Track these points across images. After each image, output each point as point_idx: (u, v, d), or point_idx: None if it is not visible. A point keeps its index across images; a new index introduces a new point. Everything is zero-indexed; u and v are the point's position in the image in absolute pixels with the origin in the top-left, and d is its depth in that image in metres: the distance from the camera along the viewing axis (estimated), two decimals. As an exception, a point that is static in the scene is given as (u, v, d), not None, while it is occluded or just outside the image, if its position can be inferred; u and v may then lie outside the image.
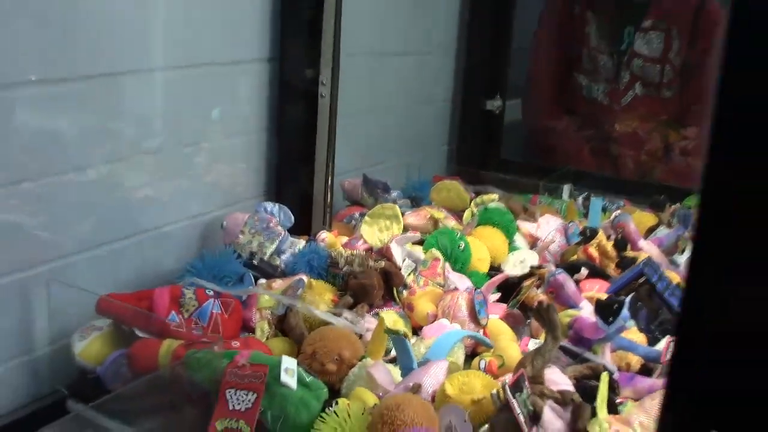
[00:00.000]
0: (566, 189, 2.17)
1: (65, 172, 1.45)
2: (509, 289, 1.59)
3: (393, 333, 1.24)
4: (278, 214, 1.70)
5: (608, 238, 1.75)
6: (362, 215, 1.81)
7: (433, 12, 2.46)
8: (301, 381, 1.19)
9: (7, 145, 1.33)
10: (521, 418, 1.06)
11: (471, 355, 1.37)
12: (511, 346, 1.35)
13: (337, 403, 1.17)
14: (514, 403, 1.07)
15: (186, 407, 1.25)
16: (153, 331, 1.38)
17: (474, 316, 1.42)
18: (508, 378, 1.15)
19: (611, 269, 1.67)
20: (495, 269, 1.69)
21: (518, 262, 1.67)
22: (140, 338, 1.39)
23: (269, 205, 1.73)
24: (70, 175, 1.47)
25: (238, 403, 1.18)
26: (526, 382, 1.13)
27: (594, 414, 1.11)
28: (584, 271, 1.59)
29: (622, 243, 1.72)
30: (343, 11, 1.82)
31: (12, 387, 1.42)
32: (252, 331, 1.43)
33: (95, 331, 1.44)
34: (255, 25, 1.80)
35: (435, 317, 1.44)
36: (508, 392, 1.08)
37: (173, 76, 1.64)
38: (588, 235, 1.72)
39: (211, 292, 1.41)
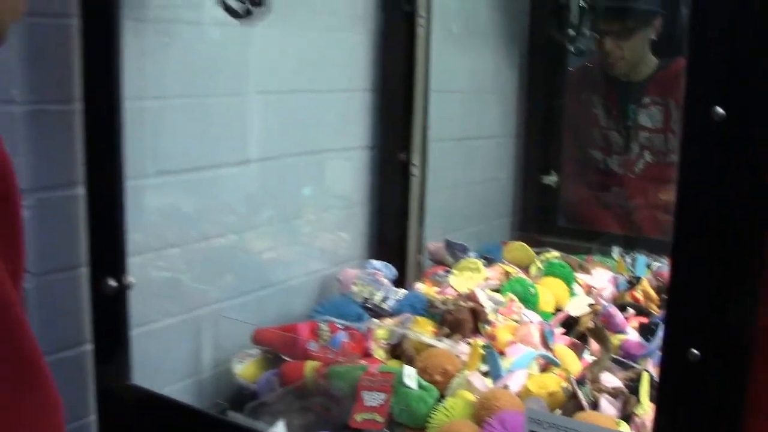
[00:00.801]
0: (616, 249, 2.57)
1: (204, 239, 1.86)
2: (570, 325, 1.99)
3: (486, 347, 1.66)
4: (383, 269, 2.14)
5: (651, 285, 2.15)
6: (447, 272, 2.25)
7: (502, 102, 2.92)
8: (418, 384, 1.61)
9: (155, 220, 1.73)
10: (584, 403, 1.47)
11: (544, 372, 1.77)
12: (574, 363, 1.75)
13: (445, 400, 1.59)
14: (579, 392, 1.48)
15: (329, 407, 1.67)
16: (297, 356, 1.81)
17: (545, 342, 1.83)
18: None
19: (654, 309, 2.07)
20: (559, 311, 2.10)
21: (577, 305, 2.08)
22: (286, 361, 1.82)
23: (376, 263, 2.17)
24: (209, 242, 1.89)
25: (373, 401, 1.60)
26: (588, 380, 1.54)
27: (638, 402, 1.51)
28: (631, 311, 2.00)
29: (663, 288, 2.12)
30: (430, 106, 2.28)
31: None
32: (372, 356, 1.85)
33: (249, 357, 1.87)
34: (356, 119, 2.27)
35: (513, 344, 1.85)
36: (575, 384, 1.49)
37: (291, 161, 2.09)
38: (634, 283, 2.13)
39: (341, 326, 1.84)
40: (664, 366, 0.99)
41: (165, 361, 1.78)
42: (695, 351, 0.95)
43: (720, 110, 0.90)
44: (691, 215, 0.95)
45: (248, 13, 1.39)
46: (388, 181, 2.33)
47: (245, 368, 1.84)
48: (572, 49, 2.73)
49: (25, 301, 0.77)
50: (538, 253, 2.42)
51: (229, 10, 1.39)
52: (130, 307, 1.58)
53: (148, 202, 1.71)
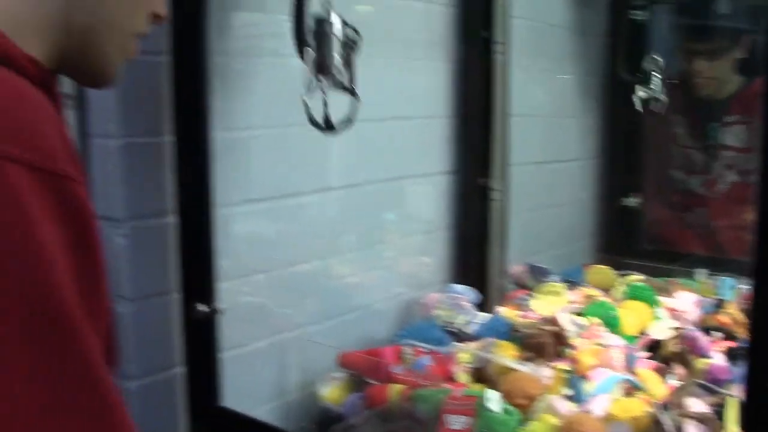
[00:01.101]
0: (701, 271, 2.53)
1: (289, 265, 1.91)
2: (654, 349, 1.98)
3: (567, 371, 1.66)
4: (466, 293, 2.16)
5: (738, 308, 2.12)
6: (529, 296, 2.25)
7: (583, 125, 2.92)
8: (502, 408, 1.62)
9: (243, 247, 1.78)
10: (668, 428, 1.46)
11: (628, 396, 1.77)
12: (659, 388, 1.74)
13: (528, 423, 1.60)
14: (663, 417, 1.48)
15: (414, 430, 1.70)
16: (381, 378, 1.84)
17: (628, 366, 1.82)
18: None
19: (741, 332, 2.04)
20: (642, 334, 2.08)
21: (661, 328, 2.06)
22: (371, 384, 1.85)
23: (458, 287, 2.19)
24: (294, 268, 1.94)
25: (456, 424, 1.61)
26: (672, 405, 1.53)
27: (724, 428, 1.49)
28: (717, 334, 1.98)
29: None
30: (509, 131, 2.30)
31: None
32: (453, 380, 1.87)
33: (335, 380, 1.91)
34: (436, 146, 2.30)
35: (596, 368, 1.84)
36: (659, 409, 1.48)
37: (373, 188, 2.13)
38: (719, 305, 2.10)
39: (425, 350, 1.87)
40: (748, 393, 0.98)
41: (253, 384, 1.83)
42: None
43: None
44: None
45: (331, 128, 1.46)
46: (469, 205, 2.35)
47: (331, 391, 1.88)
48: (642, 94, 2.68)
49: (116, 327, 0.81)
50: (621, 276, 2.40)
51: (314, 123, 1.46)
52: (220, 332, 1.64)
53: (237, 229, 1.77)
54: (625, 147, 2.98)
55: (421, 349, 1.86)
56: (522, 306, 2.23)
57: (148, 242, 1.60)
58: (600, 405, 1.61)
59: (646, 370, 1.84)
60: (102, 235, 0.73)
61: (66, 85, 1.56)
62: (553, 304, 2.12)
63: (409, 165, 2.22)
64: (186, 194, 1.58)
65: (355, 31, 1.47)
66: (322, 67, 1.43)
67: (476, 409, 1.61)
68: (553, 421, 1.59)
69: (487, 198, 2.32)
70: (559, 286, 2.17)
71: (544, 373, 1.78)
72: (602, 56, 2.95)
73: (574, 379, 1.68)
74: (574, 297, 2.21)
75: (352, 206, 2.07)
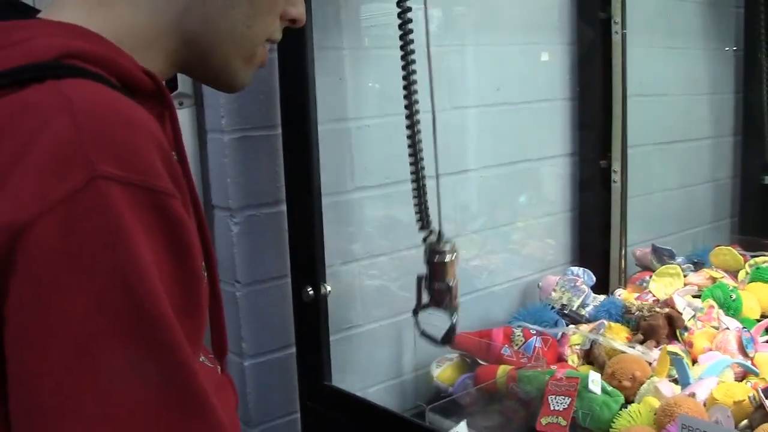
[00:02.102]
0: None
1: (410, 248, 1.98)
2: (778, 332, 1.92)
3: (673, 354, 1.65)
4: (583, 276, 2.17)
5: None
6: (651, 278, 2.23)
7: (717, 101, 2.84)
8: (604, 390, 1.63)
9: (369, 230, 1.88)
10: (771, 413, 1.44)
11: (741, 380, 1.73)
12: (774, 372, 1.70)
13: (630, 405, 1.60)
14: (766, 402, 1.45)
15: (518, 410, 1.73)
16: (491, 360, 1.88)
17: (743, 350, 1.78)
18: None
19: None
20: (766, 317, 2.03)
21: (786, 311, 2.00)
22: (481, 365, 1.90)
23: (575, 269, 2.20)
24: (418, 250, 2.00)
25: (558, 405, 1.64)
26: (778, 390, 1.49)
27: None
28: None
29: None
30: (628, 113, 2.27)
31: (383, 403, 1.97)
32: (565, 362, 1.88)
33: (447, 361, 1.96)
34: (557, 128, 2.30)
35: (708, 351, 1.82)
36: (761, 394, 1.46)
37: (494, 172, 2.16)
38: None
39: (534, 332, 1.89)
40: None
41: (368, 363, 1.91)
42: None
43: None
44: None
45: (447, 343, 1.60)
46: (590, 188, 2.34)
47: (443, 371, 1.94)
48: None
49: (223, 319, 0.89)
50: (752, 257, 2.34)
51: (425, 336, 1.60)
52: (338, 313, 1.72)
53: (369, 211, 1.85)
54: (765, 124, 2.87)
55: (530, 331, 1.89)
56: (643, 288, 2.21)
57: (261, 230, 1.71)
58: (705, 389, 1.59)
59: (764, 354, 1.80)
60: (208, 234, 0.81)
61: (184, 84, 1.69)
62: (669, 286, 2.09)
63: (531, 148, 2.24)
64: (294, 183, 1.67)
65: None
66: (437, 299, 1.56)
67: (578, 390, 1.63)
68: (656, 403, 1.59)
69: (608, 181, 2.31)
70: (677, 268, 2.14)
71: (654, 355, 1.77)
72: (737, 29, 2.85)
73: (678, 362, 1.66)
74: (698, 279, 2.17)
75: (472, 189, 2.11)
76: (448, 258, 1.54)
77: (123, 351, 0.62)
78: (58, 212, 0.61)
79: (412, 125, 1.53)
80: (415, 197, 1.60)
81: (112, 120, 0.66)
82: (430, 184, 1.61)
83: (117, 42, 0.77)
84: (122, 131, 0.66)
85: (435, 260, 1.55)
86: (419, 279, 1.58)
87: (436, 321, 1.61)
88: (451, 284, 1.55)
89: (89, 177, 0.62)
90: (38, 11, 0.84)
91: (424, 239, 1.58)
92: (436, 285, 1.55)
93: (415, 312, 1.60)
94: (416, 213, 1.59)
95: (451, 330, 1.57)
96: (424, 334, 1.60)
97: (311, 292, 1.64)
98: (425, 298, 1.58)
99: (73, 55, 0.71)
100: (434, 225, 1.58)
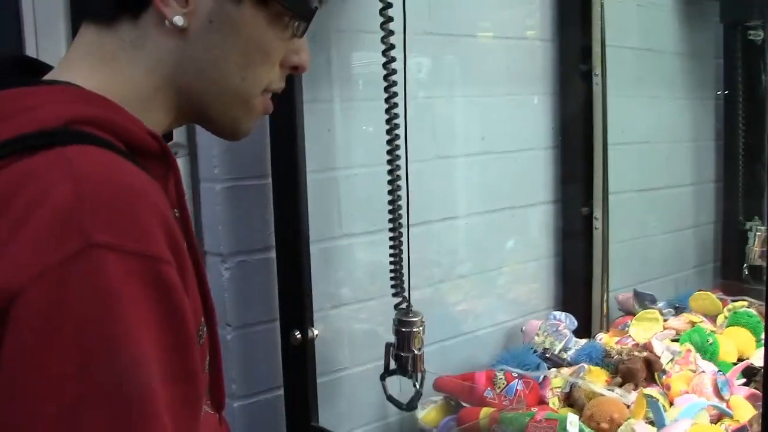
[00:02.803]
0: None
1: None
2: (753, 376, 1.98)
3: (649, 397, 1.71)
4: (565, 320, 2.23)
5: None
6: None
7: (699, 148, 2.92)
8: (580, 430, 1.69)
9: (358, 275, 1.94)
10: (741, 454, 1.49)
11: (716, 423, 1.78)
12: (748, 415, 1.75)
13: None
14: (736, 443, 1.50)
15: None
16: (474, 402, 1.93)
17: (718, 393, 1.84)
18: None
19: None
20: (743, 361, 2.08)
21: (762, 355, 2.05)
22: (464, 407, 1.95)
23: (558, 314, 2.26)
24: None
25: (538, 446, 1.69)
26: (749, 431, 1.55)
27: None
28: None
29: None
30: (609, 161, 2.35)
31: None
32: (547, 404, 1.93)
33: (432, 403, 2.01)
34: (541, 176, 2.37)
35: (685, 394, 1.87)
36: (732, 435, 1.51)
37: (479, 219, 2.23)
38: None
39: (516, 375, 1.95)
40: (765, 415, 1.03)
41: (355, 405, 1.96)
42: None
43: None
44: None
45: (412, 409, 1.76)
46: (572, 234, 2.41)
47: (427, 413, 1.99)
48: None
49: (221, 372, 0.90)
50: (732, 302, 2.39)
51: (392, 401, 1.73)
52: (326, 355, 1.78)
53: (358, 257, 1.92)
54: (744, 170, 2.95)
55: (512, 374, 1.94)
56: (625, 332, 2.27)
57: (251, 275, 1.76)
58: (680, 430, 1.65)
59: (738, 397, 1.85)
60: (205, 276, 0.82)
61: (178, 134, 1.76)
62: (649, 330, 2.15)
63: (516, 195, 2.31)
64: (283, 230, 1.73)
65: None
66: (403, 366, 1.70)
67: (557, 431, 1.68)
68: (632, 445, 1.64)
69: (590, 226, 2.38)
70: (656, 312, 2.20)
71: (631, 398, 1.83)
72: (716, 78, 2.94)
73: (653, 404, 1.71)
74: (677, 323, 2.23)
75: (458, 235, 2.18)
76: (416, 329, 1.68)
77: (103, 419, 0.63)
78: (49, 278, 0.63)
79: (393, 180, 1.61)
80: (391, 264, 1.71)
81: (112, 188, 0.68)
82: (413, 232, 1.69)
83: (120, 99, 0.80)
84: (121, 199, 0.68)
85: (403, 330, 1.68)
86: (387, 346, 1.70)
87: (403, 387, 1.74)
88: (417, 353, 1.68)
89: (84, 245, 0.64)
90: (51, 67, 0.87)
91: (396, 306, 1.70)
92: (403, 353, 1.68)
93: (383, 377, 1.71)
94: (391, 279, 1.72)
95: (416, 396, 1.69)
96: (390, 399, 1.72)
97: (299, 336, 1.70)
98: (392, 365, 1.70)
99: (81, 120, 0.73)
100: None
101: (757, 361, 2.03)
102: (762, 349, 2.11)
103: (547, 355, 2.11)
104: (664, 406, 1.76)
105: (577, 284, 2.41)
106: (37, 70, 0.87)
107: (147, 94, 0.85)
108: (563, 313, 2.27)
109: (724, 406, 1.80)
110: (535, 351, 2.13)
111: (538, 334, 2.19)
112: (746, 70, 2.86)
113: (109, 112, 0.77)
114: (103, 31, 0.84)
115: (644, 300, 2.41)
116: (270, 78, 0.91)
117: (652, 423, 1.74)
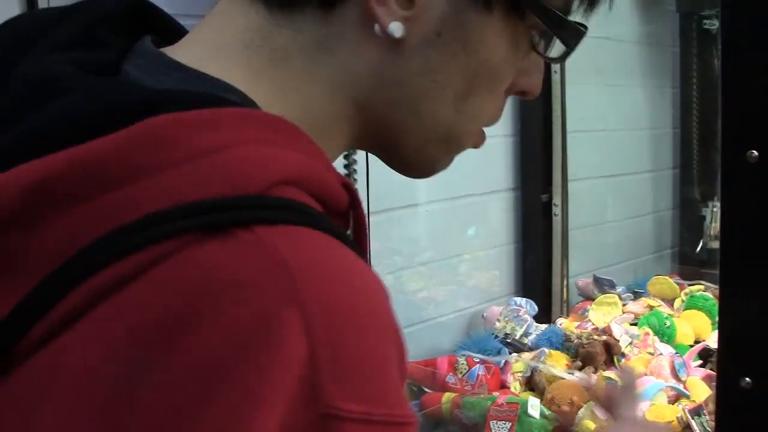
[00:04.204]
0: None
1: None
2: (708, 357, 2.01)
3: (608, 379, 1.73)
4: (526, 306, 2.25)
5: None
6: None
7: (657, 136, 2.96)
8: (542, 414, 1.71)
9: None
10: (697, 432, 1.52)
11: (673, 403, 1.82)
12: (705, 395, 1.78)
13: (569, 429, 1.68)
14: (693, 422, 1.53)
15: (463, 436, 1.80)
16: (436, 387, 1.95)
17: (675, 374, 1.87)
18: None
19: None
20: (699, 343, 2.12)
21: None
22: (427, 392, 1.96)
23: (519, 300, 2.28)
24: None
25: (499, 429, 1.70)
26: (705, 410, 1.58)
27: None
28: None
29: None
30: (569, 146, 2.37)
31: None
32: (508, 388, 1.95)
33: (395, 390, 2.02)
34: (501, 164, 2.39)
35: (645, 375, 1.90)
36: (688, 414, 1.54)
37: (440, 206, 2.24)
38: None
39: (478, 360, 1.96)
40: (719, 394, 1.05)
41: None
42: (747, 379, 1.02)
43: None
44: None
45: None
46: (532, 221, 2.43)
47: (390, 400, 1.99)
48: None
49: None
50: (689, 285, 2.43)
51: None
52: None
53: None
54: (700, 156, 2.99)
55: (474, 360, 1.96)
56: (584, 317, 2.29)
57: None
58: (638, 413, 1.67)
59: (694, 378, 1.88)
60: None
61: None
62: (608, 314, 2.18)
63: (476, 183, 2.32)
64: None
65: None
66: None
67: (518, 415, 1.70)
68: (592, 426, 1.66)
69: (550, 213, 2.40)
70: (615, 297, 2.23)
71: (592, 381, 1.85)
72: (673, 66, 2.98)
73: (615, 385, 1.74)
74: (636, 307, 2.26)
75: (419, 223, 2.19)
76: None
77: None
78: None
79: (349, 164, 1.61)
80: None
81: (352, 321, 0.47)
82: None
83: (297, 122, 0.55)
84: (365, 339, 0.47)
85: None
86: None
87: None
88: None
89: (320, 415, 0.45)
90: (174, 28, 0.64)
91: None
92: None
93: None
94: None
95: None
96: None
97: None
98: None
99: (285, 180, 0.50)
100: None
101: (713, 343, 2.06)
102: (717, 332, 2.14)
103: (508, 341, 2.13)
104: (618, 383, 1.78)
105: (537, 270, 2.43)
106: (150, 27, 0.63)
107: (324, 122, 0.60)
108: (524, 298, 2.29)
109: (681, 387, 1.83)
110: (497, 336, 2.14)
111: (499, 320, 2.20)
112: (701, 58, 2.90)
113: (311, 157, 0.53)
114: (275, 14, 0.57)
115: (603, 285, 2.44)
116: (493, 109, 0.67)
117: (611, 405, 1.76)
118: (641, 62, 2.89)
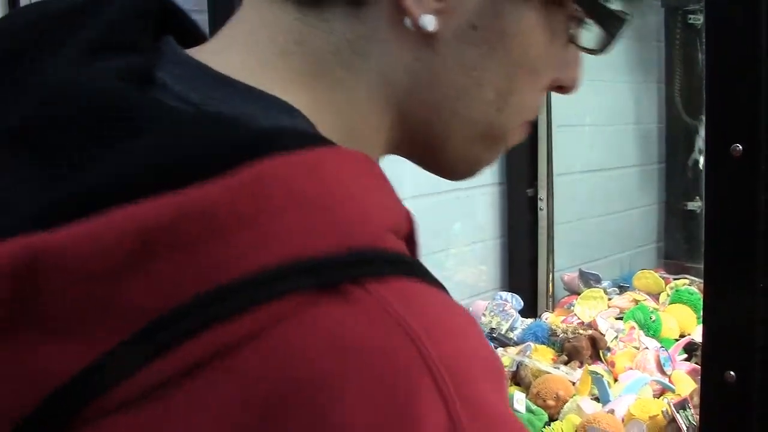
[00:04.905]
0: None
1: None
2: (694, 351, 2.02)
3: (594, 373, 1.73)
4: (511, 300, 2.25)
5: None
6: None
7: (643, 131, 2.96)
8: (528, 408, 1.71)
9: None
10: (683, 426, 1.52)
11: (659, 397, 1.82)
12: (689, 389, 1.79)
13: (553, 423, 1.68)
14: (678, 416, 1.53)
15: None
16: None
17: (661, 368, 1.87)
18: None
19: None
20: (684, 337, 2.12)
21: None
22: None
23: (504, 294, 2.28)
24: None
25: (485, 425, 1.70)
26: (690, 404, 1.58)
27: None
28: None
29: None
30: (554, 141, 2.37)
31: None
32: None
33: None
34: (487, 158, 2.39)
35: (629, 370, 1.90)
36: (673, 408, 1.54)
37: (425, 201, 2.24)
38: None
39: (463, 354, 1.96)
40: (703, 388, 1.05)
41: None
42: (732, 373, 1.02)
43: None
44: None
45: None
46: (518, 215, 2.43)
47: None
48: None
49: None
50: (674, 280, 2.44)
51: None
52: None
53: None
54: (685, 151, 3.00)
55: (459, 354, 1.96)
56: (570, 311, 2.30)
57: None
58: (624, 405, 1.67)
59: (679, 371, 1.89)
60: None
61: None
62: (594, 309, 2.18)
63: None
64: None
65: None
66: None
67: (504, 410, 1.70)
68: (578, 421, 1.66)
69: (535, 208, 2.40)
70: (601, 292, 2.24)
71: (577, 375, 1.85)
72: (659, 62, 2.98)
73: (599, 381, 1.74)
74: (622, 302, 2.27)
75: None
76: None
77: None
78: None
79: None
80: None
81: (471, 370, 0.44)
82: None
83: (340, 139, 0.50)
84: (487, 387, 0.44)
85: None
86: None
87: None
88: None
89: None
90: (194, 30, 0.60)
91: None
92: None
93: None
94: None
95: None
96: None
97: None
98: None
99: (389, 228, 0.47)
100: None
101: (698, 336, 2.07)
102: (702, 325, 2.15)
103: (493, 335, 2.13)
104: (608, 382, 1.79)
105: (522, 265, 2.43)
106: (165, 24, 0.58)
107: (366, 134, 0.56)
108: (509, 293, 2.30)
109: (666, 380, 1.83)
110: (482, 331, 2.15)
111: (484, 315, 2.20)
112: (686, 53, 2.91)
113: (391, 195, 0.50)
114: (305, 12, 0.53)
115: (589, 279, 2.44)
116: (533, 105, 0.62)
117: (597, 399, 1.76)
118: (627, 57, 2.89)
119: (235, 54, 0.53)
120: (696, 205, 2.98)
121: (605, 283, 2.45)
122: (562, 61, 0.61)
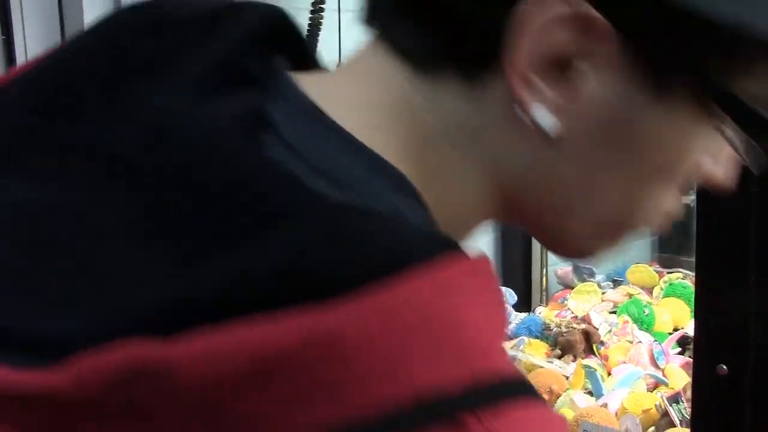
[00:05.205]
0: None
1: None
2: (687, 345, 2.02)
3: (587, 367, 1.73)
4: (505, 294, 2.25)
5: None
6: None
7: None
8: (521, 403, 1.71)
9: None
10: (676, 419, 1.52)
11: (652, 391, 1.82)
12: (683, 382, 1.79)
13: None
14: (671, 409, 1.54)
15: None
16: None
17: (654, 362, 1.87)
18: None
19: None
20: (678, 331, 2.13)
21: (697, 324, 2.10)
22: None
23: (497, 288, 2.28)
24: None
25: (479, 419, 1.71)
26: (683, 397, 1.58)
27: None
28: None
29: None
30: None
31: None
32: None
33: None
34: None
35: (622, 364, 1.90)
36: (666, 402, 1.54)
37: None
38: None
39: (457, 349, 1.96)
40: (695, 381, 1.05)
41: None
42: (724, 366, 1.02)
43: None
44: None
45: None
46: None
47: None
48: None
49: None
50: (668, 274, 2.44)
51: None
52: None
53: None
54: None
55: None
56: (564, 305, 2.30)
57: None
58: (617, 399, 1.68)
59: (673, 365, 1.89)
60: None
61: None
62: (587, 303, 2.19)
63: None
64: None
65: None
66: None
67: (497, 404, 1.70)
68: (571, 415, 1.66)
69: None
70: (594, 286, 2.24)
71: (571, 369, 1.85)
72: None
73: (592, 375, 1.74)
74: (616, 296, 2.27)
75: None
76: None
77: None
78: None
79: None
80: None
81: None
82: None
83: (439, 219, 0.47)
84: None
85: None
86: None
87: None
88: None
89: None
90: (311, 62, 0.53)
91: None
92: None
93: None
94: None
95: None
96: None
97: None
98: None
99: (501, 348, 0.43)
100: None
101: (692, 330, 2.06)
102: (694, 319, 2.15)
103: (487, 330, 2.13)
104: (602, 376, 1.79)
105: (516, 259, 2.43)
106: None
107: (463, 219, 0.51)
108: (503, 287, 2.29)
109: (659, 374, 1.83)
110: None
111: (478, 309, 2.21)
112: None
113: (503, 301, 0.46)
114: (418, 80, 0.46)
115: (583, 273, 2.44)
116: (674, 204, 0.52)
117: (590, 393, 1.77)
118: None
119: (353, 111, 0.47)
120: (690, 198, 2.96)
121: (599, 277, 2.45)
122: (711, 154, 0.50)
